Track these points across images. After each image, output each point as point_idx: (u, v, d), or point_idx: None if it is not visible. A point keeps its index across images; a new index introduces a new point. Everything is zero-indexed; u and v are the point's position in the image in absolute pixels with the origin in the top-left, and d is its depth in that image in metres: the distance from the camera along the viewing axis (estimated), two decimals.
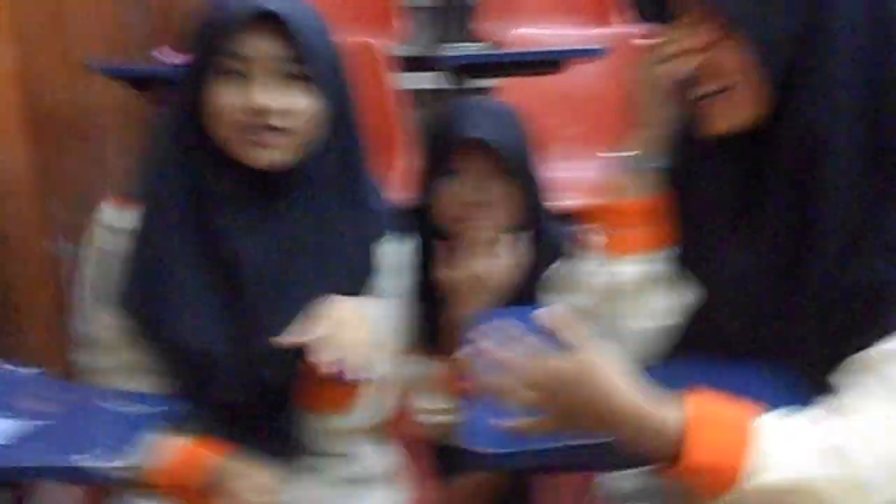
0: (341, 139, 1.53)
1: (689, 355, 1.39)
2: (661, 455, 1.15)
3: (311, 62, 1.43)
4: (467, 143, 1.87)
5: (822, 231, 1.27)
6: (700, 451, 1.13)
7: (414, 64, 4.78)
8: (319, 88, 1.46)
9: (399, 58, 3.88)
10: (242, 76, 1.44)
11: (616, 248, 1.42)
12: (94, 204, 3.07)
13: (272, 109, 1.43)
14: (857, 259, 1.26)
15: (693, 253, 1.41)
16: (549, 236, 1.97)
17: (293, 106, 1.45)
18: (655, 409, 1.15)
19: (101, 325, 1.53)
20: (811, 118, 1.27)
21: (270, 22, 1.42)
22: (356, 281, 1.55)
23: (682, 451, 1.13)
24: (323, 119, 1.48)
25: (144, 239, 1.51)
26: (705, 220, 1.39)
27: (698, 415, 1.15)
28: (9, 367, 1.61)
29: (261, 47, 1.43)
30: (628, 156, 1.41)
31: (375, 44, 3.62)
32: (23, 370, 1.62)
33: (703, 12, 1.31)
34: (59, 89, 2.87)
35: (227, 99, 1.44)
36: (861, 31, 1.27)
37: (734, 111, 1.31)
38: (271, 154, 1.46)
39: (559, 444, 1.20)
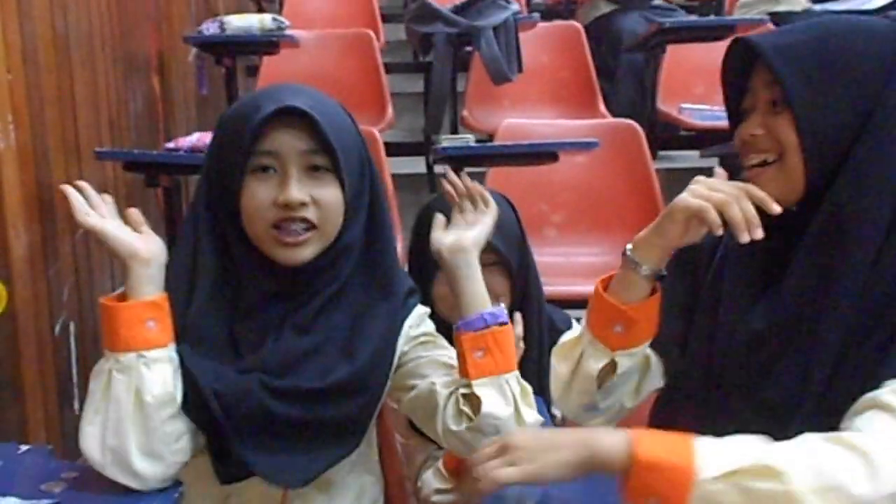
0: (369, 224, 1.58)
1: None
2: (616, 466, 1.25)
3: (336, 152, 1.48)
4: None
5: (841, 297, 1.35)
6: (648, 452, 1.22)
7: (401, 150, 4.91)
8: (345, 178, 1.50)
9: (388, 144, 3.96)
10: (273, 171, 1.49)
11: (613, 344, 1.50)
12: (98, 282, 3.14)
13: (305, 202, 1.48)
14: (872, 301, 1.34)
15: (711, 313, 1.49)
16: (542, 320, 2.03)
17: (322, 198, 1.49)
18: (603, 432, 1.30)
19: None
20: (847, 202, 1.37)
21: (297, 118, 1.47)
22: (380, 358, 1.57)
23: (633, 459, 1.23)
24: (348, 206, 1.52)
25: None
26: (732, 286, 1.48)
27: (641, 433, 1.27)
28: (17, 446, 1.62)
29: (288, 142, 1.47)
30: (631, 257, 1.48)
31: (373, 131, 3.70)
32: (29, 448, 1.62)
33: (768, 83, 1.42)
34: (65, 171, 2.94)
35: (261, 195, 1.48)
36: None
37: (778, 183, 1.41)
38: (302, 252, 1.50)
39: None
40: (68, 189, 1.48)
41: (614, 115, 4.74)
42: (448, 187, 1.67)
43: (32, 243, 2.69)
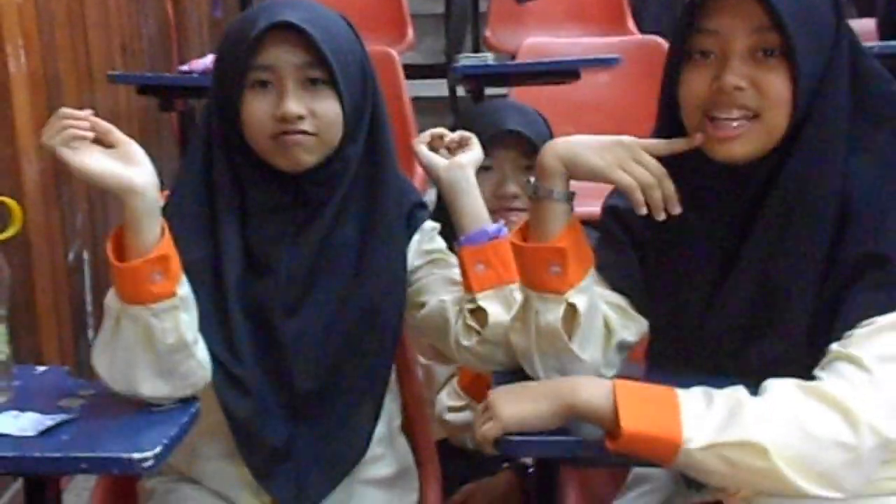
0: (369, 138, 1.57)
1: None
2: (598, 423, 1.27)
3: (333, 66, 1.48)
4: (503, 136, 1.89)
5: (802, 254, 1.31)
6: (633, 426, 1.22)
7: (425, 72, 4.83)
8: (342, 91, 1.50)
9: (408, 66, 3.90)
10: (271, 86, 1.49)
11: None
12: (112, 210, 3.11)
13: (302, 115, 1.48)
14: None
15: (678, 273, 1.42)
16: None
17: (320, 110, 1.50)
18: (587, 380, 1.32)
19: None
20: (810, 161, 1.31)
21: (292, 32, 1.47)
22: (391, 279, 1.58)
23: (618, 430, 1.22)
24: (348, 119, 1.52)
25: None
26: (698, 244, 1.40)
27: (624, 389, 1.26)
28: (34, 367, 1.64)
29: (284, 56, 1.48)
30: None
31: (391, 51, 3.63)
32: (47, 368, 1.64)
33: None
34: (77, 96, 2.89)
35: (260, 109, 1.48)
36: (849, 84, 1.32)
37: (755, 144, 1.32)
38: (301, 156, 1.50)
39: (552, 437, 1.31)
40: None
41: (643, 31, 4.62)
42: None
43: (44, 169, 2.65)
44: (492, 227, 1.56)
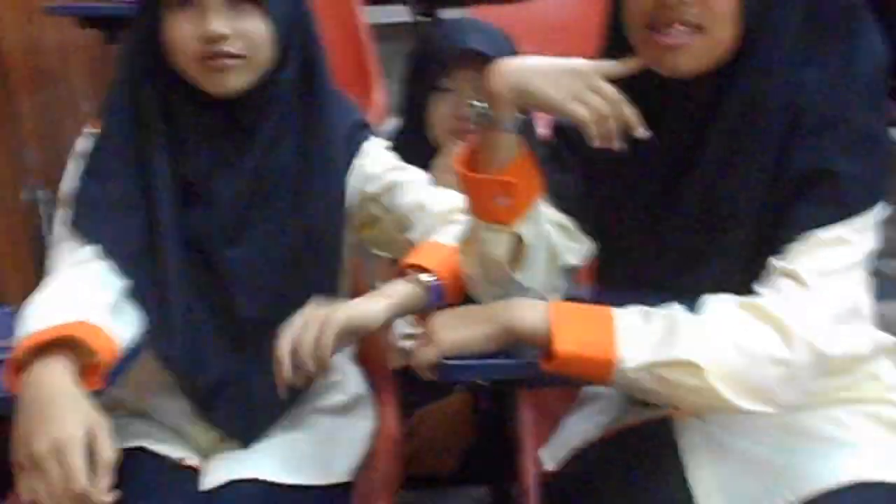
0: (299, 59, 1.52)
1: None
2: (536, 345, 1.26)
3: None
4: (462, 56, 1.86)
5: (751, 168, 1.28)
6: (568, 349, 1.21)
7: None
8: (270, 10, 1.46)
9: None
10: (194, 6, 1.44)
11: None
12: (66, 148, 3.06)
13: (226, 35, 1.43)
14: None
15: (625, 191, 1.39)
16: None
17: (247, 30, 1.45)
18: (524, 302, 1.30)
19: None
20: (758, 77, 1.26)
21: None
22: (330, 202, 1.55)
23: (552, 352, 1.22)
24: (278, 40, 1.48)
25: (108, 163, 1.48)
26: (645, 162, 1.36)
27: (559, 311, 1.26)
28: None
29: None
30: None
31: None
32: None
33: None
34: (18, 31, 2.83)
35: (182, 30, 1.45)
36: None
37: (699, 60, 1.27)
38: (230, 79, 1.46)
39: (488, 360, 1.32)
40: None
41: None
42: None
43: None
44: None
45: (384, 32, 4.21)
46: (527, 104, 1.29)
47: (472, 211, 1.36)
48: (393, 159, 1.62)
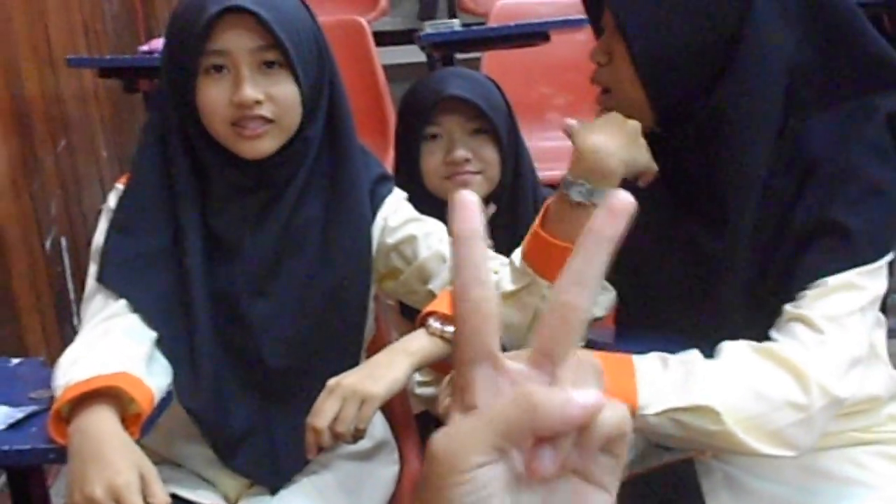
0: (329, 116, 1.55)
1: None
2: None
3: (288, 48, 1.45)
4: (446, 102, 1.89)
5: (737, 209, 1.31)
6: None
7: (398, 39, 4.78)
8: (299, 73, 1.48)
9: (383, 33, 3.87)
10: (225, 71, 1.47)
11: None
12: (87, 195, 3.10)
13: (259, 100, 1.46)
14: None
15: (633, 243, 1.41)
16: (539, 202, 1.98)
17: (277, 94, 1.47)
18: None
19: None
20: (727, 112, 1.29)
21: (245, 14, 1.44)
22: (357, 254, 1.57)
23: None
24: (306, 102, 1.50)
25: (137, 219, 1.52)
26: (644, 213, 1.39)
27: None
28: (8, 360, 1.65)
29: (237, 40, 1.46)
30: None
31: (359, 20, 3.60)
32: (22, 360, 1.65)
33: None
34: (38, 82, 2.86)
35: (215, 94, 1.46)
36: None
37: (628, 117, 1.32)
38: (262, 144, 1.48)
39: None
40: None
41: None
42: None
43: (12, 157, 2.63)
44: None
45: (398, 73, 4.26)
46: (631, 172, 1.33)
47: (539, 270, 1.37)
48: (412, 211, 1.64)
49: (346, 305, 1.56)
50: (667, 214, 1.37)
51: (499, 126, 1.93)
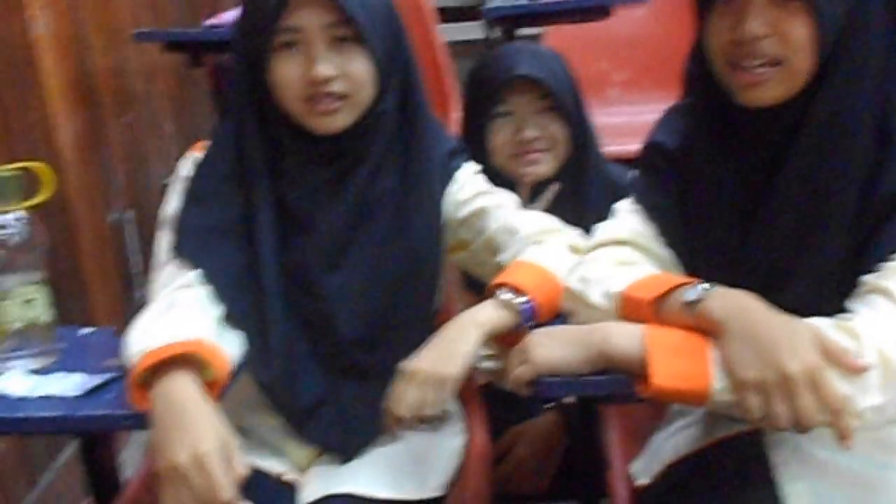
0: (399, 91, 1.56)
1: None
2: (631, 371, 1.28)
3: (360, 23, 1.46)
4: (516, 81, 1.89)
5: (837, 204, 1.30)
6: (665, 381, 1.23)
7: (459, 15, 4.77)
8: (372, 48, 1.48)
9: (444, 9, 3.86)
10: (298, 47, 1.48)
11: None
12: (152, 170, 3.12)
13: (332, 77, 1.47)
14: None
15: (712, 215, 1.41)
16: (603, 177, 1.98)
17: (351, 70, 1.49)
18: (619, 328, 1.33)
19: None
20: (840, 99, 1.28)
21: None
22: (430, 226, 1.59)
23: (649, 385, 1.24)
24: (380, 77, 1.51)
25: (212, 192, 1.53)
26: (730, 187, 1.39)
27: (656, 340, 1.27)
28: (80, 328, 1.67)
29: (310, 17, 1.45)
30: None
31: None
32: (93, 330, 1.67)
33: None
34: (106, 56, 2.89)
35: (288, 71, 1.47)
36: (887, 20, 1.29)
37: (780, 89, 1.30)
38: (335, 120, 1.50)
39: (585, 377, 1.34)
40: None
41: None
42: None
43: (79, 132, 2.66)
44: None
45: (460, 50, 4.26)
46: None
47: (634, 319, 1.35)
48: (482, 183, 1.65)
49: (419, 277, 1.57)
50: (748, 191, 1.36)
51: (567, 103, 1.94)
